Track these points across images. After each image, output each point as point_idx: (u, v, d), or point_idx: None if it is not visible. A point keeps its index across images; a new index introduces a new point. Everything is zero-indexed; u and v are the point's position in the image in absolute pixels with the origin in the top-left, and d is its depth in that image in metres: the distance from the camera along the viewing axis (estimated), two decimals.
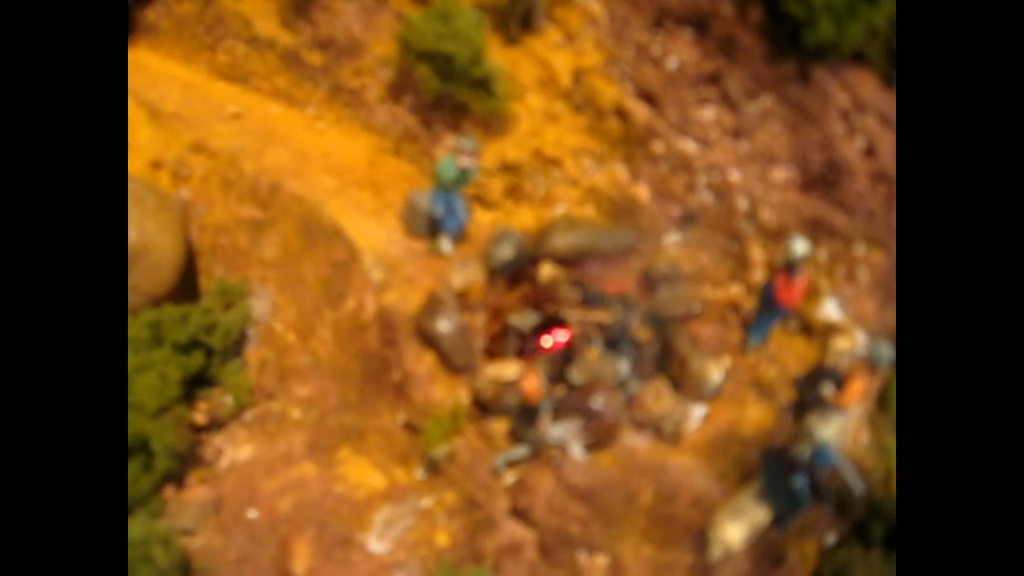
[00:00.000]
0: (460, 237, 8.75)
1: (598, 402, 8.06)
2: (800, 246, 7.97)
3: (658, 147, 8.80)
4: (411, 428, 8.16)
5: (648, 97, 8.75)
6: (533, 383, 7.67)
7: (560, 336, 8.39)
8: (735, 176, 8.78)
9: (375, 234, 8.53)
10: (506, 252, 8.50)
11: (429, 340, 8.13)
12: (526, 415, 7.89)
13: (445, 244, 8.65)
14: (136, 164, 8.75)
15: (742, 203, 8.83)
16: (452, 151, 8.23)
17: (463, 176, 8.21)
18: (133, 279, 8.03)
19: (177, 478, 8.08)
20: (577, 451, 8.06)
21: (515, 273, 8.66)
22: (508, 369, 8.14)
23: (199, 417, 8.29)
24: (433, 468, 8.07)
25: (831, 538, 8.26)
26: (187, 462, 8.13)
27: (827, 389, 8.08)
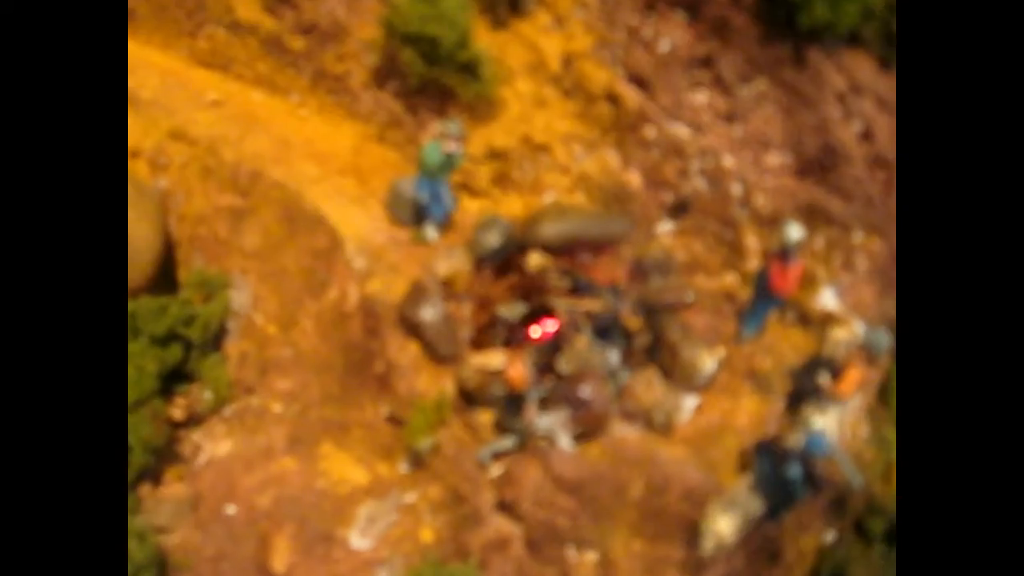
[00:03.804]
0: (446, 225, 9.04)
1: (587, 391, 8.33)
2: (795, 231, 8.29)
3: (650, 132, 9.11)
4: (395, 421, 8.52)
5: (639, 81, 9.05)
6: (519, 370, 8.04)
7: (548, 326, 8.66)
8: (729, 161, 9.08)
9: (358, 222, 8.88)
10: (493, 240, 8.80)
11: (413, 329, 8.49)
12: (512, 405, 8.25)
13: (430, 232, 8.99)
14: None
15: (736, 189, 9.12)
16: (438, 137, 8.48)
17: (449, 162, 8.51)
18: None
19: (153, 474, 8.49)
20: (565, 442, 8.36)
21: (502, 262, 8.93)
22: (494, 358, 8.45)
23: (177, 412, 8.65)
24: (417, 461, 8.44)
25: (829, 535, 8.66)
26: (164, 458, 8.54)
27: (824, 379, 8.45)
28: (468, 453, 8.40)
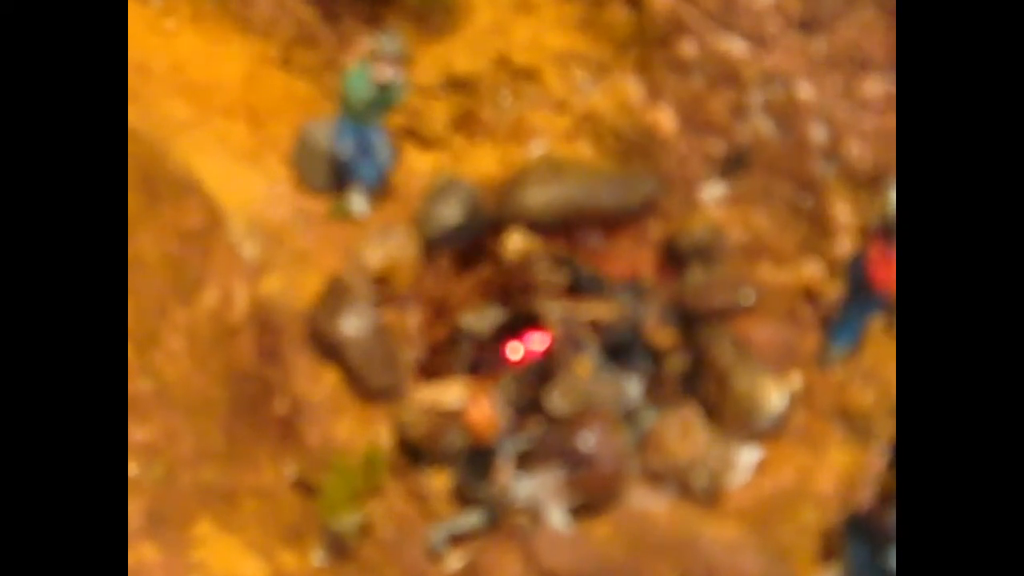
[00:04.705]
0: (380, 191, 8.21)
1: (590, 441, 7.53)
2: None
3: (689, 49, 8.19)
4: (304, 487, 7.55)
5: None
6: (484, 411, 7.35)
7: (535, 342, 7.98)
8: (806, 92, 8.16)
9: (250, 187, 8.03)
10: (453, 214, 8.09)
11: (331, 349, 7.55)
12: (478, 462, 7.47)
13: (357, 202, 8.07)
14: None
15: (818, 134, 8.22)
16: (368, 58, 7.68)
17: (384, 96, 7.68)
18: None
19: None
20: (557, 518, 7.41)
21: (467, 247, 8.25)
22: (450, 392, 7.64)
23: None
24: (338, 547, 7.44)
25: None
26: None
27: None
28: (414, 535, 7.40)
